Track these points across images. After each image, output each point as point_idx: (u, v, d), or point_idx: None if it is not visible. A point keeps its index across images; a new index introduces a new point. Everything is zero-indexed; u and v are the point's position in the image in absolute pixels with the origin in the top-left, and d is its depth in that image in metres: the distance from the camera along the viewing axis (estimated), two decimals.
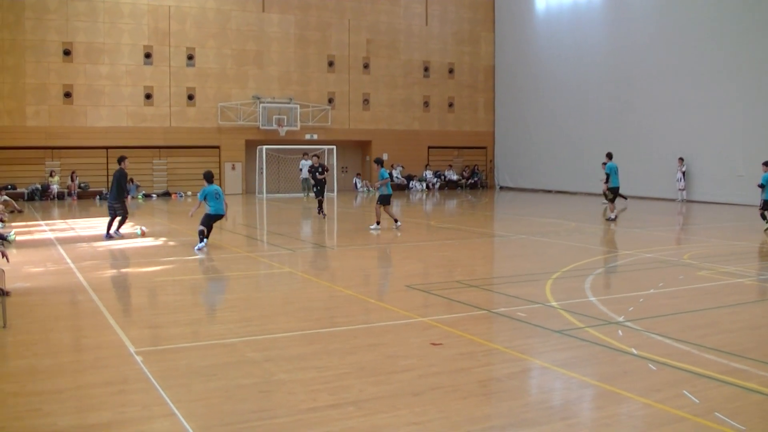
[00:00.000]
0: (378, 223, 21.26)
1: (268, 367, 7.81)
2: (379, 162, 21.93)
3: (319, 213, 25.46)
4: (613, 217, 23.19)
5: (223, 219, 18.08)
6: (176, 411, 6.47)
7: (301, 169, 37.14)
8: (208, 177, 18.04)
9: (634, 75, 34.77)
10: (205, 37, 37.64)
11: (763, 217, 19.96)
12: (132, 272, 14.46)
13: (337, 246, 19.03)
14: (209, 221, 17.55)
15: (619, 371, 7.66)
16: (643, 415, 6.43)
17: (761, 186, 20.00)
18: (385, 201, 21.23)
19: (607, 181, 23.69)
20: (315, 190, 25.95)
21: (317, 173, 25.37)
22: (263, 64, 39.02)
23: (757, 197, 21.09)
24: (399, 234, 20.25)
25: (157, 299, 12.01)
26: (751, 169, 28.30)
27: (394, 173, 41.48)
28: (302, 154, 37.27)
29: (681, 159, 31.96)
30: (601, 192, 23.59)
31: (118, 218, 19.51)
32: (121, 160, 19.71)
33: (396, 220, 21.49)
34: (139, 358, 8.09)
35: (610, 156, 24.53)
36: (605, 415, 6.47)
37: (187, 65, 37.33)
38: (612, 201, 23.78)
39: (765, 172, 19.91)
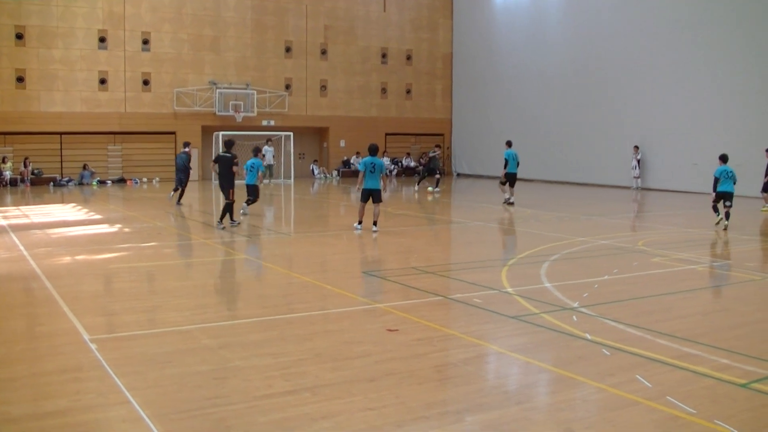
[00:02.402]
0: (363, 222, 18.07)
1: (224, 354, 7.78)
2: (369, 149, 18.04)
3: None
4: (510, 199, 24.54)
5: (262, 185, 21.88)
6: (131, 398, 6.43)
7: (264, 155, 36.81)
8: (254, 151, 21.69)
9: (592, 63, 35.02)
10: (160, 21, 37.10)
11: (715, 209, 18.88)
12: (86, 259, 14.28)
13: (293, 233, 18.96)
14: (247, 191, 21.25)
15: (573, 356, 7.77)
16: (597, 399, 6.53)
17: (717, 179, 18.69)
18: (362, 197, 17.89)
19: (505, 167, 24.44)
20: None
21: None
22: (220, 50, 38.59)
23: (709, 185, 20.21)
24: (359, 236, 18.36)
25: (112, 286, 11.89)
26: (706, 158, 28.74)
27: (353, 160, 41.32)
28: (266, 140, 37.03)
29: (636, 147, 32.31)
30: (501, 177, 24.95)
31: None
32: (186, 144, 23.16)
33: (360, 221, 18.00)
34: (93, 346, 8.00)
35: (509, 144, 25.46)
36: (560, 399, 6.56)
37: (143, 50, 36.73)
38: (504, 185, 24.85)
39: (720, 165, 18.75)
